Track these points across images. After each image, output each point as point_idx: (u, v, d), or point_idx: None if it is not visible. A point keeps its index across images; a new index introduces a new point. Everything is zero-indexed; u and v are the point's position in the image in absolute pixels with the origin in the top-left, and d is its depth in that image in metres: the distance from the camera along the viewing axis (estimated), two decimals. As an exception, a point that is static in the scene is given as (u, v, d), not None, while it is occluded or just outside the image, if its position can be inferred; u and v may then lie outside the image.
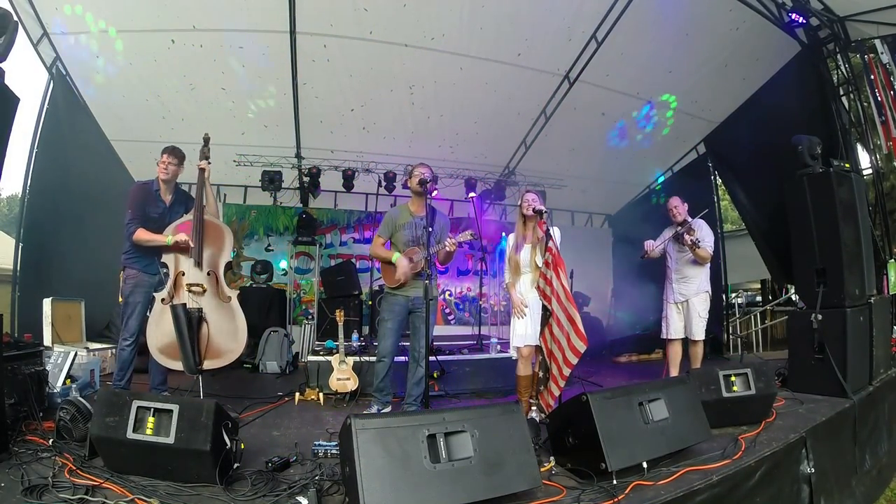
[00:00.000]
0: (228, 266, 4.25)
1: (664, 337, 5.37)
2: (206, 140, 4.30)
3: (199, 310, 3.94)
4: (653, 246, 5.14)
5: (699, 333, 5.12)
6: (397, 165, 8.22)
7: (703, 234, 5.08)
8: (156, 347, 3.98)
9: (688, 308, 5.17)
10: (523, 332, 4.23)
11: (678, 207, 5.21)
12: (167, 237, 4.01)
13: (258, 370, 6.84)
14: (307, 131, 7.95)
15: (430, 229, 4.06)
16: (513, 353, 4.38)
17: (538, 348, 4.17)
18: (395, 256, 4.24)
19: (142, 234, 4.05)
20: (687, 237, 4.99)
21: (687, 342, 5.22)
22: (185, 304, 3.90)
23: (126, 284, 4.19)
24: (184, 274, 4.03)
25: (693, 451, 3.15)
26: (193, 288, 3.98)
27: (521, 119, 8.21)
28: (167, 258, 4.10)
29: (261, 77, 6.79)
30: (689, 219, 5.14)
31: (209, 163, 4.28)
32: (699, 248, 4.96)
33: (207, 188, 4.24)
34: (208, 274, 4.08)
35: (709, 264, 5.16)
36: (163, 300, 3.98)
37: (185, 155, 4.40)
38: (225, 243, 4.22)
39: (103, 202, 6.49)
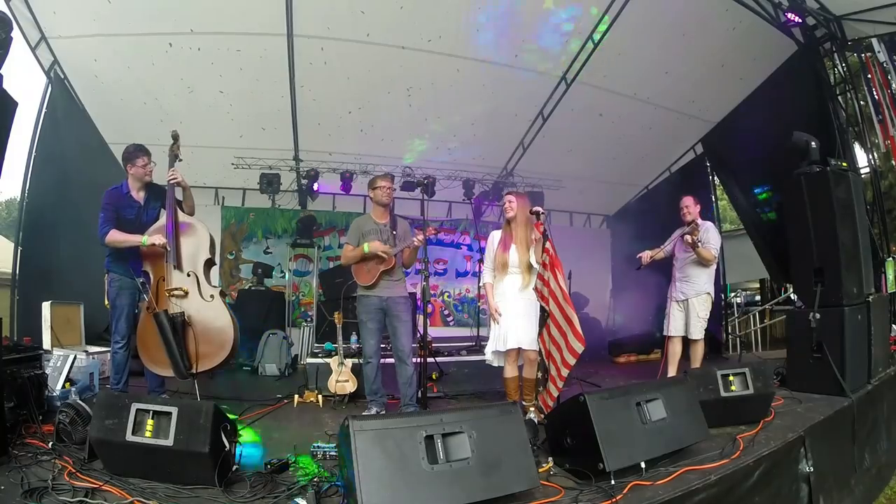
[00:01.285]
0: (210, 264, 4.18)
1: (665, 334, 5.39)
2: (175, 137, 4.21)
3: (182, 314, 3.88)
4: (648, 256, 5.22)
5: (697, 333, 5.13)
6: (395, 167, 8.23)
7: (710, 235, 5.08)
8: (145, 357, 3.95)
9: (687, 307, 5.18)
10: (506, 335, 4.19)
11: (689, 207, 5.18)
12: (143, 238, 3.94)
13: (257, 372, 6.83)
14: (305, 134, 7.97)
15: (395, 233, 4.33)
16: (494, 360, 4.34)
17: (531, 351, 4.18)
18: (366, 246, 4.26)
19: (115, 236, 3.98)
20: (688, 237, 4.98)
21: (687, 342, 5.24)
22: (166, 311, 3.85)
23: (111, 288, 4.15)
24: (164, 279, 3.98)
25: (691, 450, 3.15)
26: (175, 292, 3.92)
27: (519, 120, 8.23)
28: (147, 266, 4.04)
29: (258, 80, 6.80)
30: (699, 220, 5.13)
31: (180, 160, 4.20)
32: (700, 247, 4.96)
33: (186, 189, 4.20)
34: (188, 275, 4.02)
35: (714, 267, 5.18)
36: (147, 309, 3.93)
37: None
38: (201, 241, 4.14)
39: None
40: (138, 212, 4.21)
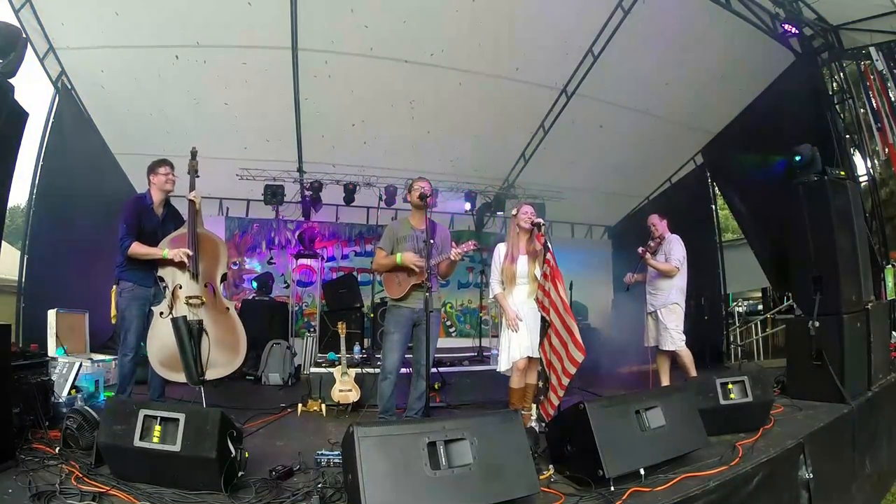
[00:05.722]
0: (224, 277, 4.24)
1: (645, 345, 5.51)
2: (194, 154, 4.27)
3: (200, 321, 3.91)
4: (631, 277, 5.49)
5: (668, 344, 5.16)
6: (398, 179, 8.30)
7: (672, 247, 5.23)
8: (157, 360, 3.95)
9: (657, 318, 5.28)
10: (519, 344, 4.18)
11: (656, 224, 5.40)
12: (163, 250, 3.96)
13: (261, 382, 6.86)
14: (309, 146, 8.07)
15: (433, 241, 4.09)
16: (506, 368, 4.29)
17: (533, 359, 4.19)
18: (399, 257, 4.14)
19: (138, 248, 3.99)
20: (642, 249, 5.26)
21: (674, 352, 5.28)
22: (185, 317, 3.87)
23: (122, 298, 4.12)
24: (181, 287, 4.00)
25: (690, 457, 3.17)
26: (192, 300, 3.95)
27: (520, 132, 8.31)
28: (164, 272, 4.04)
29: (263, 92, 6.89)
30: (667, 234, 5.33)
31: (198, 176, 4.25)
32: (651, 258, 5.21)
33: (198, 214, 4.22)
34: (205, 286, 4.06)
35: (683, 279, 5.23)
36: (161, 314, 3.94)
37: None
38: (220, 255, 4.21)
39: (107, 214, 6.52)
40: (156, 226, 4.22)
